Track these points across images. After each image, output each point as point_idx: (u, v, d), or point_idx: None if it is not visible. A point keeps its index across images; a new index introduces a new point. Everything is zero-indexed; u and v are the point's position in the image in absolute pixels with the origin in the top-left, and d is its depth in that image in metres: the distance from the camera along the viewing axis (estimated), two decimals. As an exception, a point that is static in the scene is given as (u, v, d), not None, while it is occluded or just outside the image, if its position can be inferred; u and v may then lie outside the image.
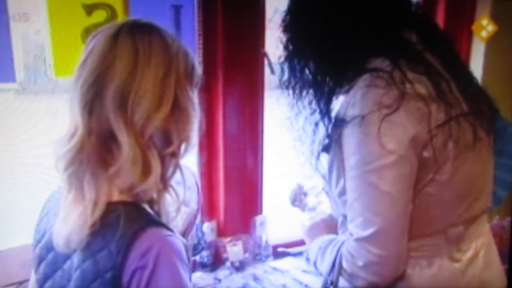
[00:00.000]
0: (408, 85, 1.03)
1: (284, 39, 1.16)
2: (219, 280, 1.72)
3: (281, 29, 1.17)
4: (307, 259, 1.32)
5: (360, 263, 1.05)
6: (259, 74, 1.81)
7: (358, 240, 1.05)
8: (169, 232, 0.87)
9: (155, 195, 0.90)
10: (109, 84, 0.84)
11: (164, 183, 0.90)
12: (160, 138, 0.88)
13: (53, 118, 1.58)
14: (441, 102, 1.04)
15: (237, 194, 1.85)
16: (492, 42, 2.11)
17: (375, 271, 1.04)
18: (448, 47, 1.17)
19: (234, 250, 1.79)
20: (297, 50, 1.16)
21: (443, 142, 1.03)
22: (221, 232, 1.85)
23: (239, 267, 1.79)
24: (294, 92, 1.18)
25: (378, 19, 1.10)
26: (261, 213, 1.91)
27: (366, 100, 1.04)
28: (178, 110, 0.88)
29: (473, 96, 1.11)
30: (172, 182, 0.92)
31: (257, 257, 1.85)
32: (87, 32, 1.45)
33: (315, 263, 1.25)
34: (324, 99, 1.14)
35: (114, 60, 0.84)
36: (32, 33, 1.50)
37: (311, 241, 1.31)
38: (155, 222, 0.89)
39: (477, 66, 2.17)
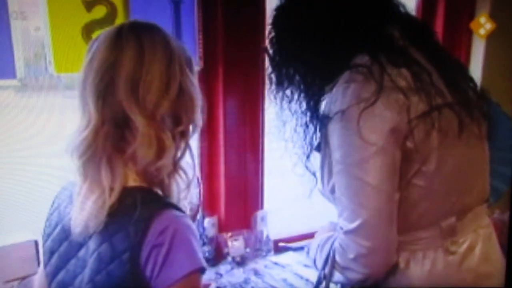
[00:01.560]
0: (386, 78, 1.05)
1: (272, 40, 1.20)
2: (221, 275, 1.72)
3: (268, 30, 1.20)
4: (308, 253, 1.33)
5: (351, 256, 1.06)
6: (260, 70, 1.80)
7: (346, 233, 1.07)
8: (182, 213, 0.94)
9: (166, 179, 0.96)
10: (119, 74, 0.90)
11: (175, 164, 0.97)
12: (170, 120, 0.95)
13: (54, 114, 1.58)
14: (422, 93, 1.05)
15: (238, 189, 1.85)
16: (491, 39, 2.11)
17: (365, 263, 1.06)
18: (431, 40, 1.19)
19: (235, 245, 1.79)
20: (282, 50, 1.19)
21: (425, 133, 1.04)
22: (222, 227, 1.85)
23: (240, 262, 1.79)
24: (283, 94, 1.21)
25: (360, 16, 1.11)
26: (262, 208, 1.92)
27: (346, 95, 1.06)
28: (183, 94, 0.95)
29: (458, 84, 1.12)
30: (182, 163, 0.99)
31: (258, 252, 1.86)
32: (87, 28, 1.45)
33: (314, 261, 1.26)
34: (311, 98, 1.17)
35: (121, 53, 0.91)
36: (32, 29, 1.49)
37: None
38: (170, 204, 0.95)
39: (477, 64, 2.18)
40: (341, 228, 1.08)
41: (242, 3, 1.71)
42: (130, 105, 0.90)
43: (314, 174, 1.21)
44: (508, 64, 2.22)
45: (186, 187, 0.99)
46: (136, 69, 0.90)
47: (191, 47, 1.01)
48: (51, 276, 1.00)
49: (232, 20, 1.70)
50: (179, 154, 0.97)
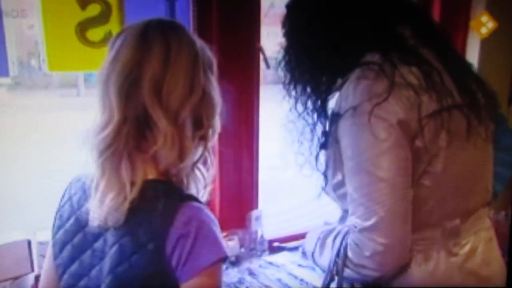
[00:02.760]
0: (398, 75, 1.05)
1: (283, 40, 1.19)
2: (215, 275, 1.72)
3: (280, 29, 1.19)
4: (303, 253, 1.32)
5: (367, 253, 1.05)
6: (254, 68, 1.80)
7: (361, 230, 1.05)
8: (204, 205, 0.96)
9: (184, 179, 0.98)
10: (144, 74, 0.91)
11: (193, 166, 0.98)
12: (192, 123, 0.95)
13: (47, 112, 1.58)
14: (433, 92, 1.05)
15: (233, 188, 1.85)
16: (487, 38, 2.12)
17: (381, 260, 1.05)
18: (442, 40, 1.18)
19: (230, 244, 1.79)
20: (293, 47, 1.18)
21: (434, 132, 1.04)
22: (216, 227, 1.84)
23: (235, 262, 1.79)
24: (292, 92, 1.20)
25: (372, 14, 1.11)
26: (256, 207, 1.92)
27: (357, 91, 1.06)
28: (206, 97, 0.96)
29: (468, 86, 1.12)
30: (200, 165, 1.01)
31: (252, 252, 1.85)
32: (81, 26, 1.45)
33: (313, 254, 1.25)
34: (320, 98, 1.17)
35: (148, 51, 0.91)
36: (25, 27, 1.49)
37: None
38: (191, 196, 0.97)
39: (472, 62, 2.18)
40: (355, 226, 1.07)
41: (236, 2, 1.70)
42: (153, 106, 0.90)
43: (324, 174, 1.19)
44: (504, 64, 2.23)
45: (203, 188, 1.01)
46: (162, 69, 0.91)
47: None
48: (63, 268, 1.00)
49: (227, 19, 1.70)
50: (197, 157, 0.98)
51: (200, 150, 0.99)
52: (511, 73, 2.28)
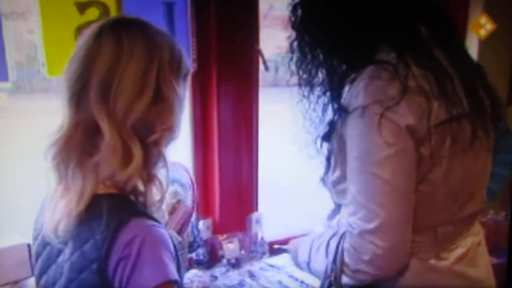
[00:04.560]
0: (411, 79, 1.02)
1: (293, 17, 1.15)
2: (215, 277, 1.72)
3: (290, 7, 1.15)
4: (297, 265, 1.30)
5: (366, 257, 1.04)
6: (253, 71, 1.81)
7: (361, 233, 1.04)
8: (154, 222, 0.89)
9: (141, 187, 0.93)
10: (93, 78, 0.87)
11: (149, 173, 0.93)
12: (143, 127, 0.90)
13: (47, 117, 1.58)
14: (443, 100, 1.03)
15: (233, 191, 1.85)
16: (485, 39, 2.12)
17: (379, 264, 1.03)
18: (456, 43, 1.16)
19: (230, 247, 1.79)
20: (309, 29, 1.14)
21: (441, 141, 1.03)
22: (216, 230, 1.85)
23: (235, 264, 1.79)
24: (306, 71, 1.16)
25: (390, 9, 1.08)
26: (256, 210, 1.92)
27: (369, 91, 1.03)
28: (161, 101, 0.90)
29: (476, 93, 1.10)
30: (157, 173, 0.94)
31: (253, 254, 1.86)
32: (80, 30, 1.45)
33: (308, 264, 1.23)
34: (335, 81, 1.13)
35: (99, 53, 0.87)
36: (24, 32, 1.49)
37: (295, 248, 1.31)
38: (140, 212, 0.90)
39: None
40: (353, 228, 1.05)
41: (235, 4, 1.71)
42: (99, 110, 0.86)
43: (328, 159, 1.16)
44: (502, 65, 2.23)
45: (161, 198, 0.95)
46: (110, 71, 0.86)
47: (184, 49, 0.97)
48: (37, 279, 1.00)
49: (225, 22, 1.70)
50: (151, 163, 0.92)
51: (155, 157, 0.93)
52: (509, 74, 2.28)
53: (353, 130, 1.05)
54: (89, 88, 0.87)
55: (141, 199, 0.94)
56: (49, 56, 1.43)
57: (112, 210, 0.87)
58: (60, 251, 0.93)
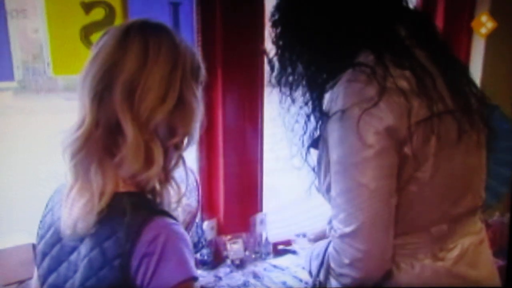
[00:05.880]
0: (389, 80, 1.02)
1: (274, 33, 1.17)
2: (220, 278, 1.72)
3: (270, 23, 1.17)
4: (310, 272, 1.31)
5: (346, 261, 1.04)
6: (259, 71, 1.80)
7: (341, 236, 1.04)
8: (174, 221, 0.91)
9: (158, 186, 0.94)
10: (118, 77, 0.87)
11: (167, 175, 0.94)
12: (165, 130, 0.91)
13: (53, 116, 1.58)
14: (424, 98, 1.03)
15: (237, 192, 1.85)
16: (492, 39, 2.11)
17: (361, 267, 1.03)
18: (438, 42, 1.16)
19: (234, 248, 1.79)
20: (287, 43, 1.16)
21: (424, 139, 1.03)
22: (221, 230, 1.85)
23: (239, 265, 1.79)
24: (286, 84, 1.17)
25: (367, 12, 1.09)
26: (261, 211, 1.91)
27: (347, 94, 1.04)
28: (183, 105, 0.92)
29: (461, 91, 1.10)
30: (175, 176, 0.96)
31: (257, 255, 1.86)
32: (85, 30, 1.45)
33: (310, 272, 1.23)
34: (315, 91, 1.13)
35: (124, 54, 0.88)
36: (30, 31, 1.49)
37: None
38: (161, 211, 0.92)
39: (476, 64, 2.17)
40: (335, 231, 1.06)
41: (240, 4, 1.71)
42: (123, 111, 0.87)
43: (313, 169, 1.17)
44: (509, 64, 2.22)
45: (178, 200, 0.97)
46: (136, 73, 0.88)
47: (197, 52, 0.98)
48: (43, 279, 0.99)
49: (230, 21, 1.70)
50: (170, 166, 0.94)
51: (174, 159, 0.95)
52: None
53: (333, 133, 1.05)
54: (113, 88, 0.88)
55: (158, 199, 0.95)
56: (54, 55, 1.43)
57: (135, 208, 0.89)
58: (73, 249, 0.93)
